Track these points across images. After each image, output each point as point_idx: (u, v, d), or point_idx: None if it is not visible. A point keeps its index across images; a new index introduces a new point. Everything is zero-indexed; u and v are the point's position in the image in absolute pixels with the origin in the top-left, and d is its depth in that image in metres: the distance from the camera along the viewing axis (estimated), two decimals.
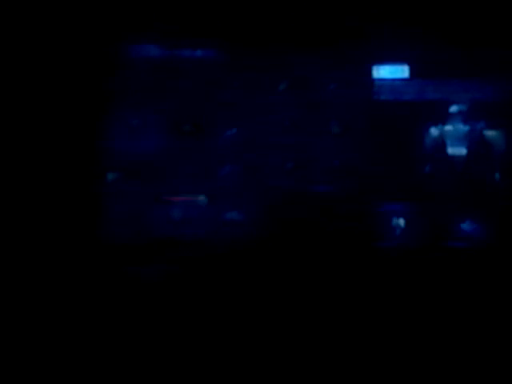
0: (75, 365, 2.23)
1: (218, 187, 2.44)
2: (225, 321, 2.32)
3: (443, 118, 2.44)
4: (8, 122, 2.35)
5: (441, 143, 2.43)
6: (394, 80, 2.45)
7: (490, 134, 2.42)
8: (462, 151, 2.43)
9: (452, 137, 2.43)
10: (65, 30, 2.36)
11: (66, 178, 2.36)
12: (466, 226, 2.40)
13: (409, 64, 2.45)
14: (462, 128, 2.43)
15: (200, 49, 2.47)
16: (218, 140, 2.45)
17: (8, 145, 2.34)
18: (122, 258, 2.38)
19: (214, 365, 2.25)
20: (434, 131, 2.44)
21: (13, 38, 2.35)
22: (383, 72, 2.46)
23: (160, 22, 2.42)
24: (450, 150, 2.44)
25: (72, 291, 2.31)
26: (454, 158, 2.43)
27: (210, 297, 2.34)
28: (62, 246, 2.33)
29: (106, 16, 2.38)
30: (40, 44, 2.36)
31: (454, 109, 2.43)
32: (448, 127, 2.44)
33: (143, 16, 2.41)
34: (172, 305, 2.34)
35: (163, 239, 2.42)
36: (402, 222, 2.42)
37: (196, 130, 2.45)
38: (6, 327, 2.25)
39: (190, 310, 2.33)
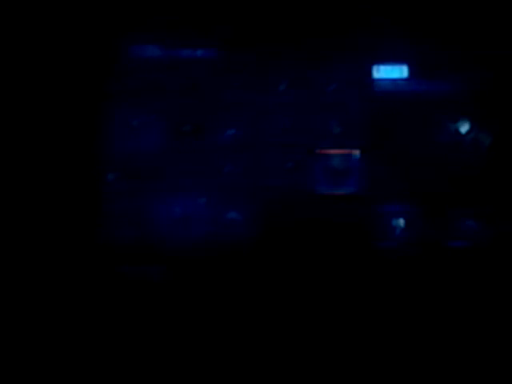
0: (73, 365, 2.23)
1: (218, 187, 2.44)
2: (225, 321, 2.32)
3: (443, 117, 2.44)
4: (7, 122, 2.35)
5: (441, 143, 2.43)
6: (394, 80, 2.45)
7: (490, 133, 2.42)
8: (462, 151, 2.43)
9: (453, 137, 2.43)
10: (64, 30, 2.36)
11: (65, 178, 2.36)
12: (466, 226, 2.40)
13: (409, 64, 2.45)
14: (463, 128, 2.43)
15: (200, 49, 2.47)
16: (218, 140, 2.45)
17: (7, 145, 2.35)
18: (122, 258, 2.38)
19: (215, 365, 2.25)
20: (434, 131, 2.43)
21: (12, 38, 2.35)
22: (383, 72, 2.46)
23: (160, 22, 2.42)
24: (451, 150, 2.43)
25: (71, 291, 2.31)
26: (454, 158, 2.43)
27: (209, 297, 2.35)
28: (61, 245, 2.33)
29: (106, 16, 2.38)
30: (39, 44, 2.36)
31: (454, 109, 2.43)
32: (448, 127, 2.43)
33: (143, 16, 2.41)
34: (172, 305, 2.34)
35: (163, 239, 2.42)
36: (401, 222, 2.42)
37: (196, 129, 2.45)
38: (3, 327, 2.25)
39: (191, 310, 2.33)
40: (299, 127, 2.46)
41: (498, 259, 2.34)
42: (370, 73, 2.45)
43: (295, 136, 2.45)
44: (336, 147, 2.44)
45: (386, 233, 2.42)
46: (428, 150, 2.42)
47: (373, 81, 2.45)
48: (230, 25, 2.42)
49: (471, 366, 2.22)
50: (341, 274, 2.36)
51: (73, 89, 2.37)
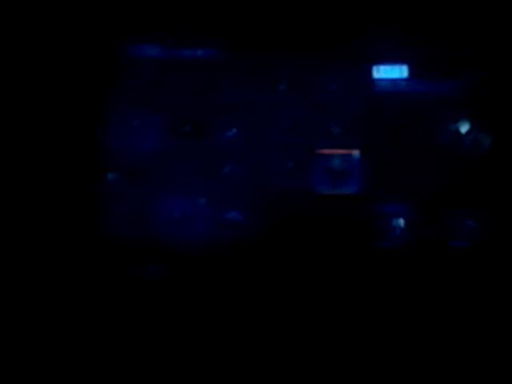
0: (75, 364, 2.24)
1: (218, 187, 2.44)
2: (225, 321, 2.32)
3: (444, 117, 2.44)
4: (8, 121, 2.35)
5: (441, 143, 2.43)
6: (394, 80, 2.45)
7: (490, 133, 2.42)
8: (462, 151, 2.43)
9: (453, 137, 2.43)
10: (64, 30, 2.36)
11: (66, 178, 2.36)
12: (465, 226, 2.40)
13: (409, 64, 2.45)
14: (463, 128, 2.43)
15: (200, 49, 2.47)
16: (218, 140, 2.45)
17: (8, 144, 2.35)
18: (123, 258, 2.39)
19: (215, 364, 2.25)
20: (434, 131, 2.44)
21: (14, 39, 2.36)
22: (383, 72, 2.46)
23: (160, 22, 2.42)
24: (451, 150, 2.44)
25: (73, 291, 2.31)
26: (454, 158, 2.43)
27: (210, 297, 2.35)
28: (62, 245, 2.33)
29: (106, 16, 2.38)
30: (41, 45, 2.36)
31: (454, 109, 2.43)
32: (448, 127, 2.43)
33: (143, 16, 2.41)
34: (172, 304, 2.34)
35: (163, 239, 2.42)
36: (401, 222, 2.42)
37: (196, 130, 2.45)
38: (5, 326, 2.26)
39: (190, 310, 2.33)
40: (299, 127, 2.46)
41: (497, 259, 2.34)
42: (369, 73, 2.45)
43: (295, 136, 2.45)
44: (336, 147, 2.44)
45: (385, 233, 2.42)
46: (428, 150, 2.42)
47: (373, 81, 2.45)
48: (231, 25, 2.42)
49: (470, 364, 2.22)
50: (341, 273, 2.36)
51: (73, 89, 2.38)
